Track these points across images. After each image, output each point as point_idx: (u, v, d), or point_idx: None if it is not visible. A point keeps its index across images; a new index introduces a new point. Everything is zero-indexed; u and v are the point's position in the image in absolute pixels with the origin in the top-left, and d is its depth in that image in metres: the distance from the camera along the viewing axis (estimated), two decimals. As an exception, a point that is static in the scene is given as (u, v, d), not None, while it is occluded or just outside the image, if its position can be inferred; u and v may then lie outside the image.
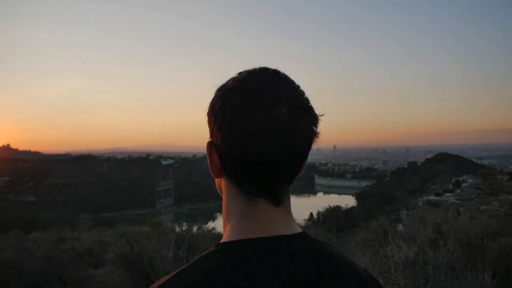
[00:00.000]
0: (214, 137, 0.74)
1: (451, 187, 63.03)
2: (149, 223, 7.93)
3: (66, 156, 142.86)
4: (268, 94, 0.71)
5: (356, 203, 73.54)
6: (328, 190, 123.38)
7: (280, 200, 0.75)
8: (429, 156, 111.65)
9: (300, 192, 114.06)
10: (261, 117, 0.68)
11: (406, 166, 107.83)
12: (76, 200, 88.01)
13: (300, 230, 0.76)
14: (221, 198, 0.81)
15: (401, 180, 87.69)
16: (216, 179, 0.81)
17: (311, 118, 0.74)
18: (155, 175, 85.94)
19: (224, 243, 0.72)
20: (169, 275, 0.69)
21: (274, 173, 0.71)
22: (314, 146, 0.77)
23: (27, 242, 16.05)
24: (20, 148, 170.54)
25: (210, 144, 0.76)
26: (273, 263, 0.68)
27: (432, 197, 52.42)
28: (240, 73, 0.76)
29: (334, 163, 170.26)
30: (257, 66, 0.78)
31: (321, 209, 60.39)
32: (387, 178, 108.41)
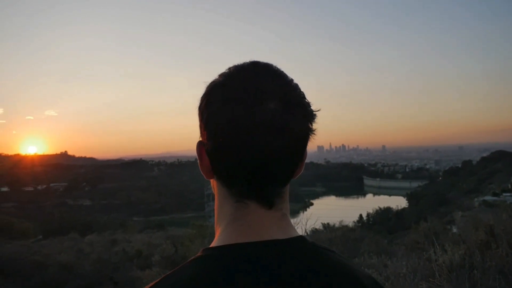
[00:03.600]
0: (202, 136, 0.71)
1: (510, 186, 59.84)
2: (192, 226, 8.04)
3: (118, 161, 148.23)
4: (255, 89, 0.66)
5: (407, 204, 71.32)
6: (377, 191, 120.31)
7: (272, 203, 0.70)
8: (484, 155, 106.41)
9: (348, 193, 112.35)
10: (247, 114, 0.64)
11: (460, 165, 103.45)
12: (129, 203, 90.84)
13: (296, 235, 0.71)
14: None
15: (455, 180, 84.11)
16: (211, 180, 0.77)
17: (305, 114, 0.69)
18: (203, 178, 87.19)
19: (212, 248, 0.68)
20: (152, 282, 0.66)
21: (263, 173, 0.66)
22: (310, 144, 0.72)
23: (83, 245, 16.81)
24: (77, 154, 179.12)
25: (199, 144, 0.72)
26: (261, 269, 0.63)
27: (489, 197, 49.89)
28: (229, 68, 0.72)
29: (383, 163, 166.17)
30: (248, 60, 0.72)
31: (370, 211, 59.12)
32: (440, 178, 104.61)
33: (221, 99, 0.67)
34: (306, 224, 6.99)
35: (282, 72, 0.72)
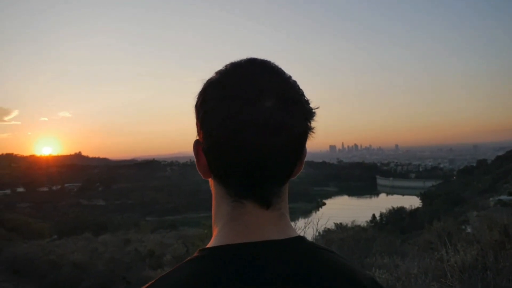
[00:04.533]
0: (199, 134, 0.70)
1: (526, 186, 58.85)
2: (203, 226, 8.07)
3: (132, 162, 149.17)
4: (251, 87, 0.64)
5: (421, 203, 70.68)
6: (390, 191, 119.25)
7: (270, 202, 0.68)
8: (500, 153, 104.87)
9: (361, 193, 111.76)
10: (242, 112, 0.63)
11: (474, 164, 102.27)
12: (142, 204, 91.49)
13: (295, 235, 0.70)
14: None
15: (470, 180, 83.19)
16: (209, 180, 0.75)
17: (303, 112, 0.67)
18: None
19: (208, 248, 0.67)
20: (148, 283, 0.65)
21: (260, 173, 0.65)
22: (310, 144, 0.70)
23: (97, 244, 16.97)
24: (90, 155, 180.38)
25: (196, 143, 0.71)
26: (256, 270, 0.62)
27: (504, 197, 49.15)
28: (225, 65, 0.70)
29: (396, 162, 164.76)
30: (244, 58, 0.70)
31: (383, 210, 58.73)
32: (454, 177, 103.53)
33: (216, 97, 0.66)
34: (317, 224, 6.97)
35: (280, 69, 0.70)
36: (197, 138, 0.71)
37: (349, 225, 15.49)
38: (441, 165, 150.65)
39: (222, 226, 0.69)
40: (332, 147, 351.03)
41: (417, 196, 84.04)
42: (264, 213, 0.68)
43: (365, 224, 22.78)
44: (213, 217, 0.74)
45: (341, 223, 15.37)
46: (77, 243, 18.23)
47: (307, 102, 0.68)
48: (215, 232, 0.71)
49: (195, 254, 0.67)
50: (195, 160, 0.73)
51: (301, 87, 0.70)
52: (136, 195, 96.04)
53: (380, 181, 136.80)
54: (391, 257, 5.73)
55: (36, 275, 12.61)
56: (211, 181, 0.74)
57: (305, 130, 0.68)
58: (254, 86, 0.65)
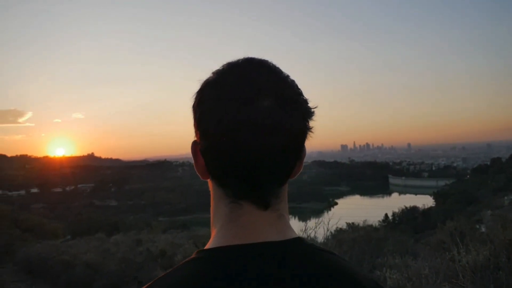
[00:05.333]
0: (196, 135, 0.69)
1: (541, 184, 57.98)
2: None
3: (143, 163, 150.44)
4: (249, 86, 0.64)
5: (434, 203, 70.02)
6: (403, 190, 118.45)
7: (268, 203, 0.67)
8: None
9: (373, 192, 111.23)
10: (240, 111, 0.62)
11: (488, 163, 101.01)
12: (154, 204, 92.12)
13: (294, 236, 0.69)
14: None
15: (484, 178, 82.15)
16: (208, 181, 0.74)
17: (301, 111, 0.66)
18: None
19: (205, 250, 0.67)
20: (147, 284, 0.64)
21: (257, 173, 0.64)
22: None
23: (109, 244, 17.09)
24: (103, 156, 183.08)
25: (194, 144, 0.71)
26: (254, 271, 0.61)
27: (519, 196, 48.47)
28: (222, 65, 0.69)
29: (408, 162, 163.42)
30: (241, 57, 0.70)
31: (396, 210, 58.33)
32: (468, 176, 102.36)
33: (213, 97, 0.65)
34: (328, 224, 6.92)
35: (278, 68, 0.69)
36: (195, 139, 0.70)
37: (361, 224, 15.38)
38: (454, 164, 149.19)
39: (220, 227, 0.69)
40: (344, 147, 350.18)
41: (430, 195, 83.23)
42: (262, 214, 0.67)
43: (377, 224, 22.64)
44: (211, 218, 0.73)
45: (352, 223, 15.27)
46: (90, 243, 18.37)
47: (305, 101, 0.68)
48: (213, 233, 0.71)
49: (193, 255, 0.67)
50: (193, 161, 0.71)
51: (299, 86, 0.69)
52: (148, 196, 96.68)
53: (393, 180, 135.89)
54: (403, 257, 5.67)
55: (50, 275, 12.74)
56: (209, 182, 0.73)
57: (304, 130, 0.67)
58: (252, 85, 0.64)
